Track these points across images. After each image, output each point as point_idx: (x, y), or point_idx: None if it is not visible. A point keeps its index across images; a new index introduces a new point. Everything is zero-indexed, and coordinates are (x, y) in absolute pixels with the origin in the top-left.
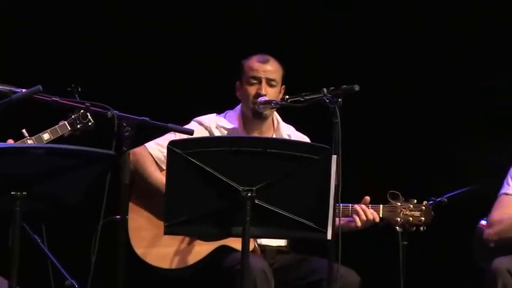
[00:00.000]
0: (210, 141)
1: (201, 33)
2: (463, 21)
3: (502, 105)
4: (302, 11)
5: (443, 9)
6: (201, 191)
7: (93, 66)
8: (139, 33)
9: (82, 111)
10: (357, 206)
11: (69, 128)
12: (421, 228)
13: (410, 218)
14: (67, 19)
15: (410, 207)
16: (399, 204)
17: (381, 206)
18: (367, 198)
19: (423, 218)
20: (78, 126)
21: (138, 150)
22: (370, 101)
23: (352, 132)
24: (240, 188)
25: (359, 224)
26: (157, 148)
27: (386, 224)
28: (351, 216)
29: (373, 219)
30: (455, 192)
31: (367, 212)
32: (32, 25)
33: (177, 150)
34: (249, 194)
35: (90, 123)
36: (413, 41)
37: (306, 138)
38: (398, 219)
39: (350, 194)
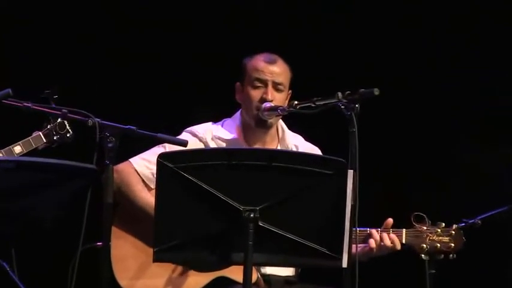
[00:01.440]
0: (206, 153)
1: (201, 33)
2: (463, 21)
3: None
4: (302, 11)
5: (443, 9)
6: (196, 211)
7: (92, 66)
8: (139, 33)
9: (59, 120)
10: (373, 230)
11: (44, 140)
12: (451, 255)
13: (438, 244)
14: (67, 19)
15: (438, 231)
16: (425, 228)
17: (404, 230)
18: (390, 220)
19: (453, 244)
20: (55, 138)
21: (121, 167)
22: (380, 105)
23: (369, 143)
24: (241, 208)
25: (373, 246)
26: (143, 164)
27: (410, 251)
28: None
29: (392, 245)
30: (491, 213)
31: (383, 236)
32: (32, 25)
33: (168, 164)
34: (251, 215)
35: (68, 135)
36: (413, 41)
37: (317, 150)
38: (424, 245)
39: (368, 216)
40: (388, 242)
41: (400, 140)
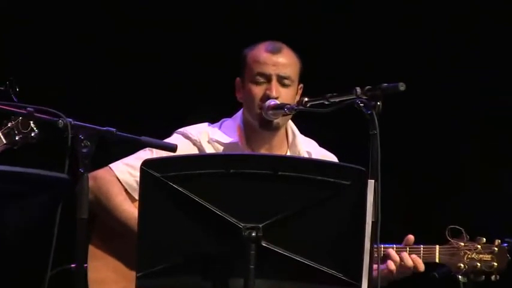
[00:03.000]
0: (200, 160)
1: (201, 33)
2: (463, 21)
3: None
4: (302, 11)
5: (443, 9)
6: (187, 229)
7: (92, 66)
8: (140, 33)
9: (21, 118)
10: (390, 250)
11: (4, 141)
12: (493, 276)
13: (478, 263)
14: (67, 19)
15: (477, 248)
16: (462, 244)
17: (437, 246)
18: (411, 237)
19: (495, 263)
20: (17, 138)
21: (100, 173)
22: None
23: (392, 147)
24: (241, 225)
25: (393, 269)
26: (126, 170)
27: (445, 272)
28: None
29: (414, 266)
30: None
31: (403, 256)
32: (32, 25)
33: (154, 173)
34: (253, 234)
35: (33, 134)
36: (414, 41)
37: (332, 158)
38: (462, 264)
39: (393, 233)
40: (409, 262)
41: (420, 142)
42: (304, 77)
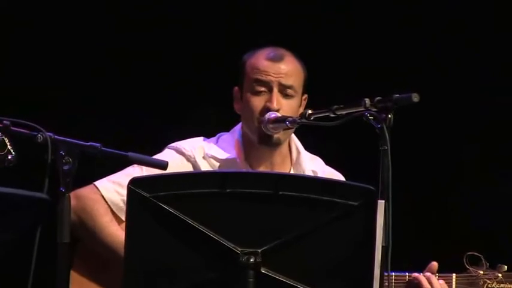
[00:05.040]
0: (193, 178)
1: (201, 33)
2: (464, 21)
3: None
4: (302, 10)
5: (443, 9)
6: (179, 254)
7: (92, 66)
8: (139, 33)
9: None
10: (417, 275)
11: None
12: None
13: None
14: (67, 19)
15: (498, 277)
16: (482, 272)
17: (454, 275)
18: (434, 264)
19: None
20: None
21: (84, 192)
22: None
23: (404, 163)
24: (239, 251)
25: None
26: (113, 189)
27: None
28: None
29: None
30: None
31: (433, 283)
32: (32, 25)
33: (143, 193)
34: (251, 259)
35: (10, 157)
36: (414, 41)
37: (339, 176)
38: None
39: (406, 258)
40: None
41: (433, 153)
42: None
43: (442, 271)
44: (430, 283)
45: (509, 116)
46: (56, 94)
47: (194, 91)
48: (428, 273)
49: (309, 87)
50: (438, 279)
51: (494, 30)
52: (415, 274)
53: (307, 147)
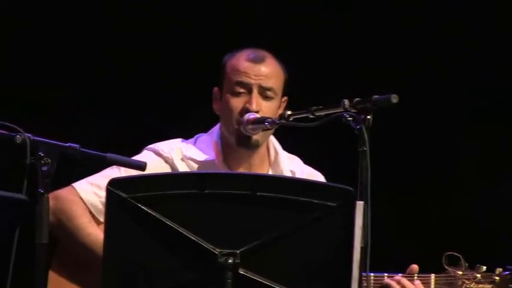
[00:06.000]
0: (171, 179)
1: (201, 33)
2: (463, 21)
3: None
4: (302, 10)
5: (443, 9)
6: (158, 255)
7: (92, 66)
8: (139, 33)
9: None
10: (388, 281)
11: None
12: None
13: None
14: (67, 19)
15: (477, 277)
16: (461, 272)
17: (433, 275)
18: (415, 267)
19: None
20: None
21: (62, 193)
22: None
23: (384, 164)
24: (217, 251)
25: None
26: (91, 190)
27: None
28: None
29: None
30: None
31: (405, 285)
32: (32, 25)
33: (121, 194)
34: (229, 261)
35: None
36: (414, 41)
37: (319, 176)
38: None
39: (385, 259)
40: None
41: (416, 154)
42: (303, 79)
43: (421, 272)
44: (402, 285)
45: (509, 116)
46: (56, 94)
47: (194, 91)
48: (398, 276)
49: (309, 87)
50: (416, 279)
51: (494, 30)
52: (387, 281)
53: (287, 148)
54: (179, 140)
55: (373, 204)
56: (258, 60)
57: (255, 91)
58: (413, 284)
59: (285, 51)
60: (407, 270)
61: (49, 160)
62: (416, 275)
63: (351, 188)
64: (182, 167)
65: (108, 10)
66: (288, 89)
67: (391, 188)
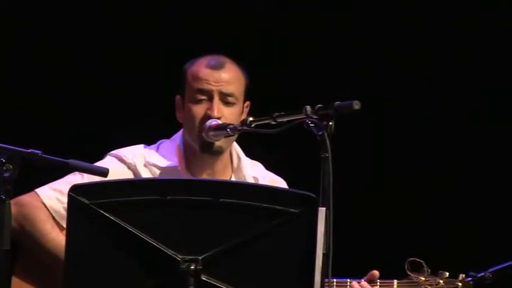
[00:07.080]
0: (134, 186)
1: (201, 33)
2: (464, 21)
3: None
4: (302, 10)
5: (443, 9)
6: (120, 261)
7: (92, 66)
8: (139, 33)
9: None
10: (354, 283)
11: None
12: None
13: None
14: (67, 19)
15: (439, 283)
16: (423, 278)
17: (395, 281)
18: (375, 272)
19: None
20: None
21: (25, 199)
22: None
23: (348, 168)
24: (179, 258)
25: None
26: (54, 196)
27: None
28: None
29: None
30: (507, 264)
31: None
32: (32, 25)
33: (83, 200)
34: (191, 267)
35: None
36: (414, 41)
37: (281, 183)
38: None
39: (348, 265)
40: None
41: (421, 179)
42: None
43: (383, 277)
44: None
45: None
46: (56, 94)
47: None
48: (354, 282)
49: (309, 87)
50: (378, 285)
51: (494, 30)
52: (353, 282)
53: (250, 154)
54: (141, 146)
55: (334, 210)
56: (217, 67)
57: (216, 97)
58: None
59: (284, 52)
60: (367, 276)
61: (11, 166)
62: (378, 281)
63: (313, 195)
64: (145, 173)
65: (108, 10)
66: (250, 94)
67: (354, 193)
